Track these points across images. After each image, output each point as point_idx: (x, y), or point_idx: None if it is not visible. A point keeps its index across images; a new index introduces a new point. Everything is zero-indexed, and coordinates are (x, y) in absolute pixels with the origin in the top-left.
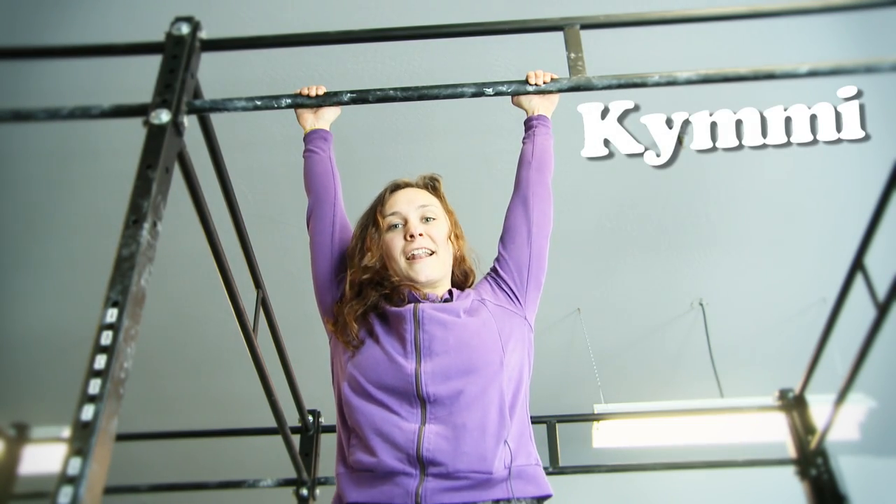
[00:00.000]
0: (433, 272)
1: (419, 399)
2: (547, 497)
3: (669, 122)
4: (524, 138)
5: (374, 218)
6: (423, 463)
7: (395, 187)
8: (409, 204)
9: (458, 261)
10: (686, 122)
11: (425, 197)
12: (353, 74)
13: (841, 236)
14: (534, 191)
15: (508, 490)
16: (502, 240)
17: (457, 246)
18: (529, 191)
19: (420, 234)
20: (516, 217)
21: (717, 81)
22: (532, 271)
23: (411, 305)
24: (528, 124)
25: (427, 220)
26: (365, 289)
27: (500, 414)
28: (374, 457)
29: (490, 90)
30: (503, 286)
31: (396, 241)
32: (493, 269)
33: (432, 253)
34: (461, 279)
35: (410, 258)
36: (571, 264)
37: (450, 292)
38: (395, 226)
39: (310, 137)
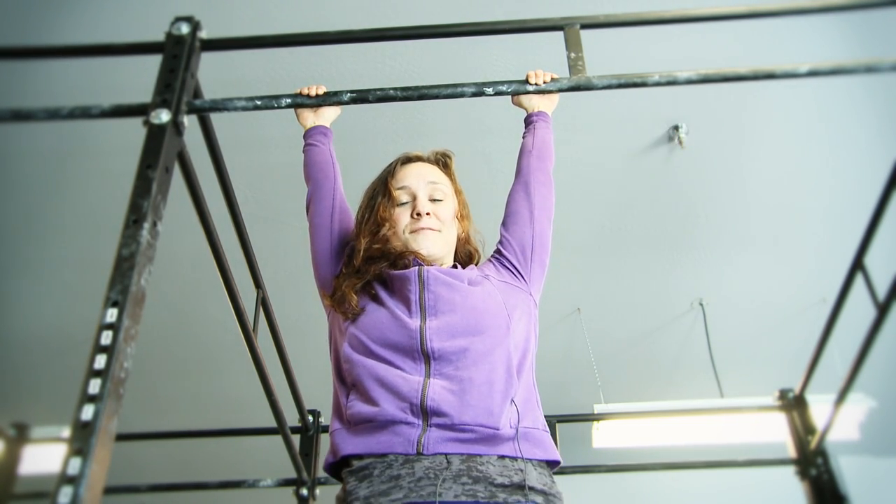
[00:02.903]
0: (434, 248)
1: (423, 355)
2: (555, 462)
3: (669, 123)
4: (524, 132)
5: (385, 188)
6: (426, 412)
7: (407, 160)
8: (419, 179)
9: (463, 241)
10: (685, 123)
11: (435, 174)
12: (353, 74)
13: (841, 236)
14: (535, 176)
15: (516, 449)
16: (504, 223)
17: (462, 226)
18: (531, 176)
19: (427, 214)
20: (518, 200)
21: (717, 81)
22: (535, 251)
23: (416, 268)
24: (529, 120)
25: (435, 199)
26: (364, 264)
27: (508, 372)
28: (375, 406)
29: (490, 90)
30: (507, 265)
31: (403, 217)
32: (496, 251)
33: (437, 231)
34: (465, 259)
35: (414, 232)
36: (571, 264)
37: (454, 266)
38: (404, 202)
39: (309, 133)
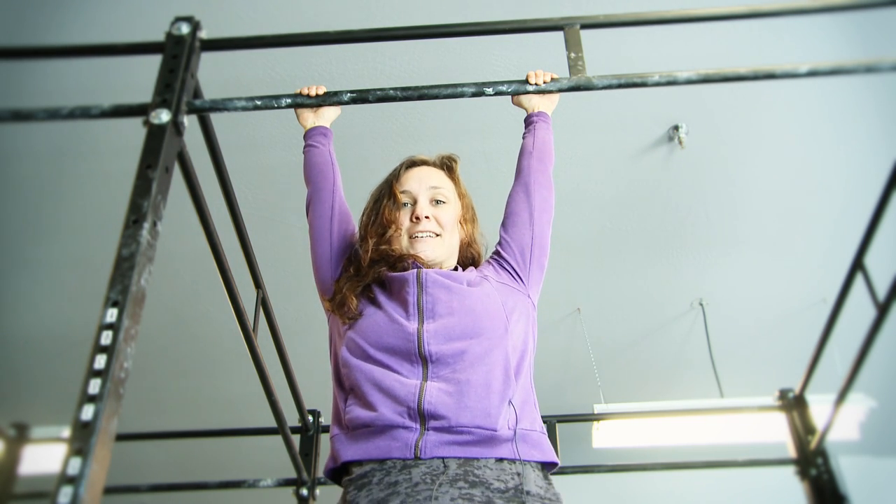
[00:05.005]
0: (433, 253)
1: (420, 358)
2: (553, 465)
3: (669, 123)
4: (524, 133)
5: (390, 191)
6: (423, 416)
7: (412, 164)
8: (421, 183)
9: (466, 244)
10: (685, 123)
11: (439, 178)
12: (353, 74)
13: (841, 236)
14: (535, 178)
15: (514, 450)
16: (504, 224)
17: (465, 230)
18: (531, 178)
19: (426, 217)
20: (518, 202)
21: (717, 81)
22: (534, 252)
23: (415, 270)
24: (529, 120)
25: (437, 202)
26: (367, 266)
27: (505, 374)
28: (372, 411)
29: (490, 90)
30: (506, 266)
31: (403, 220)
32: (496, 252)
33: (437, 235)
34: (468, 263)
35: (413, 238)
36: (571, 264)
37: (454, 269)
38: (405, 204)
39: (309, 133)
